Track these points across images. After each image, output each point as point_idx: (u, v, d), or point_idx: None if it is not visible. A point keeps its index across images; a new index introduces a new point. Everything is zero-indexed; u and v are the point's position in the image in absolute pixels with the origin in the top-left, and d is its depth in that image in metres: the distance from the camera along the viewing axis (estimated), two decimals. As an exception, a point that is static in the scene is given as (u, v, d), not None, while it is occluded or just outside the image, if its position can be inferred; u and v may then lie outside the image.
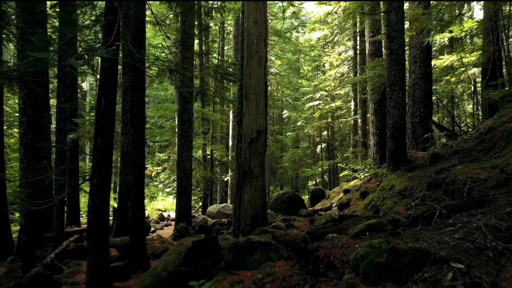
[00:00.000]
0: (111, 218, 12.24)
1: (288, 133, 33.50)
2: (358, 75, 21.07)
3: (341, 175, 16.56)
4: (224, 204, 14.82)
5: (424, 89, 12.02)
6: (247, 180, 7.04)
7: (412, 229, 4.13)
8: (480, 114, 19.96)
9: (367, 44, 11.78)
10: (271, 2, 21.97)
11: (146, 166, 25.68)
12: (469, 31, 15.02)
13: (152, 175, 24.51)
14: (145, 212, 21.42)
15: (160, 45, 7.63)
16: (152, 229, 15.38)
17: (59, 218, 8.86)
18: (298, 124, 29.91)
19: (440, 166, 5.71)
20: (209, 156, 17.15)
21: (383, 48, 11.82)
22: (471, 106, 21.73)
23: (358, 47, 20.42)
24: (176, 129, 11.35)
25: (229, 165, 17.75)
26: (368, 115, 21.53)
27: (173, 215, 19.36)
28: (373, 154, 11.92)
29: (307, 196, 19.45)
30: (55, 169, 9.96)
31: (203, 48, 20.68)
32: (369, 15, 10.12)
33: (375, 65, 9.81)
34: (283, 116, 34.98)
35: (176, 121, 12.79)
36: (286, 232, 6.50)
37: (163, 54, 7.88)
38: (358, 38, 20.46)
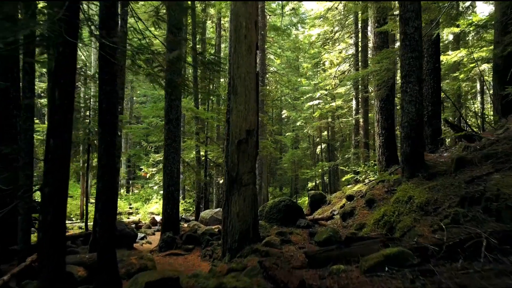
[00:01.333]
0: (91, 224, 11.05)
1: (287, 134, 32.31)
2: (358, 78, 19.86)
3: (343, 179, 15.37)
4: (218, 209, 13.63)
5: (432, 86, 10.85)
6: (234, 189, 5.85)
7: (449, 264, 2.94)
8: (488, 113, 18.76)
9: (371, 36, 10.59)
10: (269, -3, 20.81)
11: (141, 167, 24.49)
12: (478, 24, 13.86)
13: (147, 176, 23.34)
14: (138, 215, 20.26)
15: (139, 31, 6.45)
16: (142, 235, 14.20)
17: (24, 230, 7.68)
18: (298, 124, 28.72)
19: (470, 174, 4.56)
20: (204, 158, 15.96)
21: (391, 40, 10.64)
22: (475, 105, 20.53)
23: (360, 43, 19.21)
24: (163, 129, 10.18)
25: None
26: (370, 114, 20.35)
27: (166, 219, 18.15)
28: (378, 157, 10.72)
29: (307, 200, 18.23)
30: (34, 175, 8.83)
31: (199, 46, 19.53)
32: (375, 0, 8.94)
33: (381, 58, 8.63)
34: (283, 116, 33.77)
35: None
36: (280, 253, 5.32)
37: (143, 41, 6.70)
38: (360, 34, 19.26)
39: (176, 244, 9.75)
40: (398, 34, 8.23)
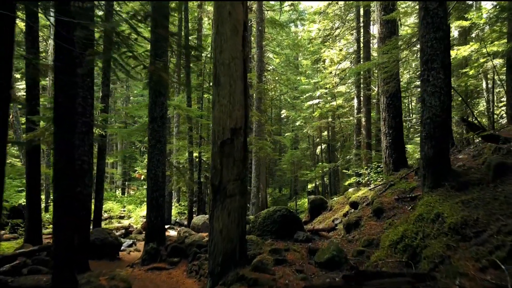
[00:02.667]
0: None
1: (287, 134, 31.16)
2: (361, 70, 18.72)
3: (346, 183, 14.22)
4: (211, 215, 12.48)
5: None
6: (217, 200, 4.70)
7: None
8: (499, 111, 17.59)
9: (377, 26, 9.44)
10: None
11: (136, 168, 23.36)
12: (489, 17, 12.71)
13: (141, 178, 22.22)
14: (130, 219, 19.10)
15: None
16: (131, 241, 13.07)
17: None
18: (297, 124, 27.55)
19: (519, 185, 3.47)
20: (197, 159, 14.82)
21: (397, 30, 9.48)
22: (481, 103, 19.35)
23: (361, 39, 18.06)
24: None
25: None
26: (372, 114, 19.20)
27: (159, 223, 16.99)
28: (385, 159, 9.57)
29: (306, 202, 17.07)
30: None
31: (195, 43, 18.37)
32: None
33: (390, 48, 7.48)
34: (282, 116, 32.61)
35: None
36: (271, 281, 4.17)
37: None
38: (361, 30, 18.11)
39: (161, 256, 8.60)
40: (403, 26, 7.10)
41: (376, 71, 19.58)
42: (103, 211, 20.46)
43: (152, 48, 8.44)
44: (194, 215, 15.32)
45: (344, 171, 17.22)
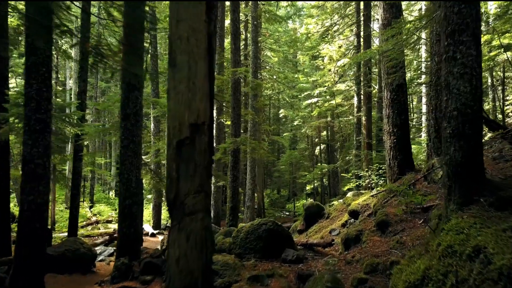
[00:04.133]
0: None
1: (285, 134, 29.94)
2: (361, 66, 17.54)
3: (344, 188, 13.00)
4: (198, 221, 11.28)
5: None
6: (174, 220, 3.48)
7: None
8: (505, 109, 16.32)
9: (380, 11, 8.22)
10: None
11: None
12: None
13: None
14: (117, 224, 17.88)
15: None
16: (112, 250, 11.88)
17: None
18: (295, 123, 26.32)
19: None
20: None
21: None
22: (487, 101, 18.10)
23: (362, 33, 16.84)
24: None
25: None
26: (373, 113, 17.97)
27: (147, 228, 15.85)
28: (388, 161, 8.35)
29: (302, 209, 15.78)
30: None
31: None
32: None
33: (396, 31, 6.27)
34: (280, 116, 31.36)
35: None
36: None
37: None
38: (362, 24, 16.88)
39: (133, 273, 7.37)
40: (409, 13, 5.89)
41: (377, 65, 18.36)
42: (91, 215, 19.33)
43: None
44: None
45: (343, 174, 15.98)
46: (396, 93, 8.16)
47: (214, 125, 15.59)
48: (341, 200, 11.61)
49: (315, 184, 25.01)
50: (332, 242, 6.38)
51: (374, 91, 18.20)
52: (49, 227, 14.41)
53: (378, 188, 8.57)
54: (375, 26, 19.53)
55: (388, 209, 5.98)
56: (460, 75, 3.26)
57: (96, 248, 11.95)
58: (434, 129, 8.38)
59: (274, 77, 23.54)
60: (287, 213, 25.81)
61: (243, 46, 22.86)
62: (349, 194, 10.91)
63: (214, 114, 15.64)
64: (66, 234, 12.02)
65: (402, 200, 5.89)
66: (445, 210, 3.37)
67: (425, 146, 14.48)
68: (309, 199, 27.43)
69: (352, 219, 7.47)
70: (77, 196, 10.37)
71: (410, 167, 8.11)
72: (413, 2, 18.35)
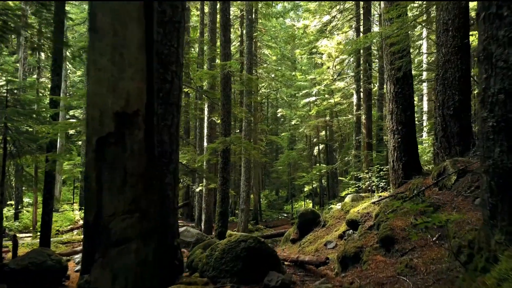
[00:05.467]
0: None
1: (283, 134, 28.86)
2: (361, 62, 16.45)
3: (342, 193, 11.93)
4: (184, 228, 10.20)
5: (459, 69, 7.44)
6: (97, 252, 2.41)
7: None
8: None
9: (382, 4, 7.14)
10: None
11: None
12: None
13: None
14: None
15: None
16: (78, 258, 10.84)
17: None
18: (293, 123, 25.22)
19: None
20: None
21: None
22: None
23: (362, 28, 15.74)
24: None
25: (200, 173, 13.12)
26: (373, 112, 16.88)
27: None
28: (392, 163, 7.27)
29: (303, 206, 14.64)
30: None
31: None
32: None
33: (402, 12, 5.20)
34: (278, 115, 30.26)
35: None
36: None
37: None
38: (361, 17, 15.79)
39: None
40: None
41: (378, 61, 17.27)
42: (80, 218, 18.25)
43: None
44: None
45: (341, 178, 14.86)
46: (400, 85, 7.09)
47: (205, 124, 14.50)
48: (339, 205, 10.52)
49: (314, 185, 23.92)
50: (326, 261, 5.29)
51: (374, 89, 17.11)
52: (31, 234, 13.39)
53: (380, 194, 7.49)
54: (375, 23, 18.47)
55: (394, 221, 4.90)
56: (509, 40, 2.19)
57: (75, 257, 10.90)
58: (441, 127, 7.37)
59: (272, 75, 22.47)
60: (285, 215, 24.73)
61: (239, 43, 21.81)
62: (347, 199, 9.82)
63: (205, 112, 14.54)
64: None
65: (409, 207, 4.81)
66: (486, 240, 2.30)
67: (429, 146, 13.39)
68: (307, 200, 26.34)
69: (351, 230, 6.39)
70: (50, 200, 9.30)
71: (417, 170, 7.04)
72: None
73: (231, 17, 21.45)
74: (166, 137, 4.35)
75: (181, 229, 10.26)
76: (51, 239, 10.08)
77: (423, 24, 9.53)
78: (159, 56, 4.31)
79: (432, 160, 9.02)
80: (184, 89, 15.63)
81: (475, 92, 12.01)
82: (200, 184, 13.88)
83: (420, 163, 7.46)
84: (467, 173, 5.52)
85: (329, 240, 6.51)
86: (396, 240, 4.54)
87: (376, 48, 16.66)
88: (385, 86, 7.71)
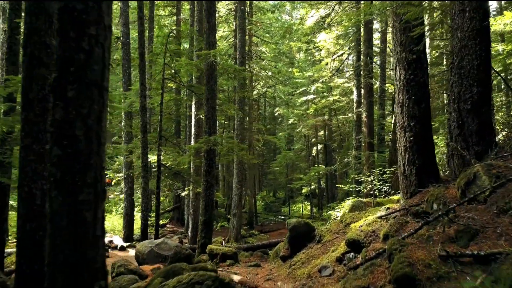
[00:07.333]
0: None
1: (280, 133, 27.37)
2: (362, 57, 14.97)
3: (342, 204, 10.45)
4: (161, 240, 8.72)
5: (478, 56, 5.96)
6: None
7: None
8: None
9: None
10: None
11: (106, 172, 19.73)
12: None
13: (112, 183, 18.58)
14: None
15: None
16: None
17: None
18: (290, 122, 23.74)
19: None
20: (156, 163, 11.09)
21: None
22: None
23: (363, 21, 14.23)
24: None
25: (187, 175, 11.68)
26: (375, 110, 15.42)
27: (117, 240, 13.28)
28: (402, 167, 5.78)
29: (301, 211, 12.96)
30: None
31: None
32: None
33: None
34: (276, 115, 28.75)
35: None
36: None
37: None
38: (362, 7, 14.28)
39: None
40: None
41: (379, 57, 15.76)
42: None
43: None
44: (146, 236, 11.54)
45: (339, 185, 13.35)
46: (413, 70, 5.62)
47: (193, 122, 13.02)
48: (338, 214, 9.04)
49: (312, 186, 22.42)
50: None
51: (375, 87, 15.65)
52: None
53: (391, 204, 5.98)
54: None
55: (413, 251, 3.43)
56: None
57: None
58: (457, 124, 5.94)
59: (270, 73, 20.99)
60: (282, 218, 23.22)
61: (233, 38, 20.37)
62: (347, 206, 8.35)
63: (193, 109, 13.07)
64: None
65: (432, 226, 3.34)
66: None
67: (438, 147, 11.86)
68: (305, 202, 24.83)
69: (352, 253, 4.91)
70: (4, 209, 7.86)
71: (434, 176, 5.56)
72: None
73: (225, 11, 20.02)
74: (80, 132, 2.90)
75: (158, 241, 8.78)
76: None
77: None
78: (68, 13, 2.87)
79: (447, 163, 7.54)
80: (170, 84, 14.18)
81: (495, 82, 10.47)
82: (186, 188, 12.40)
83: (438, 168, 5.97)
84: (506, 182, 4.06)
85: (324, 265, 5.03)
86: (418, 283, 3.06)
87: (379, 38, 15.15)
88: (393, 73, 6.23)
